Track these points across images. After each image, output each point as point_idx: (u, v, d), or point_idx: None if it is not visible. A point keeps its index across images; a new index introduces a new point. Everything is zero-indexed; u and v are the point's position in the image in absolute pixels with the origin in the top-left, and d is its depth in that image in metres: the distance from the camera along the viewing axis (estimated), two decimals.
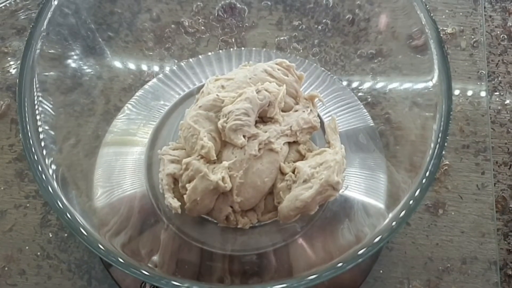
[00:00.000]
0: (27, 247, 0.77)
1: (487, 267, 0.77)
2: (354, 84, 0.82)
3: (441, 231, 0.78)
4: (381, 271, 0.76)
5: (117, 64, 0.82)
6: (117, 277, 0.72)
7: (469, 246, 0.78)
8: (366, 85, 0.81)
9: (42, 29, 0.61)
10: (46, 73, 0.63)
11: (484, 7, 0.92)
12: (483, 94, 0.86)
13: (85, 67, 0.74)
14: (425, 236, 0.78)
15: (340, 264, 0.50)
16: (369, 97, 0.80)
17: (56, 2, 0.63)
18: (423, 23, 0.63)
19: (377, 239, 0.52)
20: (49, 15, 0.62)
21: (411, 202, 0.54)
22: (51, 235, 0.77)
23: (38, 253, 0.77)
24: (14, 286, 0.75)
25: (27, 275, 0.76)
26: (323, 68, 0.83)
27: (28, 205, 0.79)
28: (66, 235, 0.77)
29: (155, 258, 0.66)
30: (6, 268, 0.76)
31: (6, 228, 0.78)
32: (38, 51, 0.60)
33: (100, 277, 0.75)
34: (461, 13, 0.91)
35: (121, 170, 0.74)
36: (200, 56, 0.85)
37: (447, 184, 0.81)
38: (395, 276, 0.76)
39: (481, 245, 0.78)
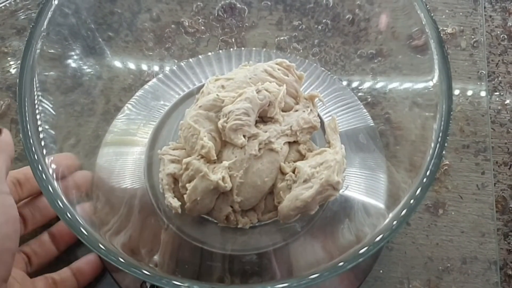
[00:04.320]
0: None
1: (487, 267, 0.77)
2: (354, 84, 0.82)
3: (441, 231, 0.78)
4: (381, 271, 0.76)
5: (117, 64, 0.82)
6: (116, 277, 0.72)
7: (469, 246, 0.78)
8: (366, 85, 0.82)
9: (42, 29, 0.61)
10: (46, 73, 0.63)
11: (484, 7, 0.92)
12: (483, 94, 0.86)
13: (85, 67, 0.74)
14: (425, 236, 0.78)
15: (341, 264, 0.50)
16: (369, 97, 0.80)
17: (56, 2, 0.63)
18: (423, 23, 0.63)
19: (378, 238, 0.52)
20: (49, 15, 0.62)
21: (411, 201, 0.54)
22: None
23: None
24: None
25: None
26: (323, 68, 0.83)
27: None
28: None
29: (155, 257, 0.66)
30: None
31: None
32: (38, 51, 0.60)
33: (99, 276, 0.75)
34: (461, 13, 0.91)
35: (121, 170, 0.74)
36: (200, 56, 0.85)
37: (447, 184, 0.81)
38: (395, 276, 0.76)
39: (481, 245, 0.78)
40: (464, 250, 0.78)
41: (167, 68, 0.84)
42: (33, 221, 0.70)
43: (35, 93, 0.59)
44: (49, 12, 0.62)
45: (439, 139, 0.56)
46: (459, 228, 0.79)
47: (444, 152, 0.56)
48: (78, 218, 0.53)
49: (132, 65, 0.83)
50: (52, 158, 0.58)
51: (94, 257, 0.73)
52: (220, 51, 0.86)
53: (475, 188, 0.81)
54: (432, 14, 0.63)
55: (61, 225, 0.72)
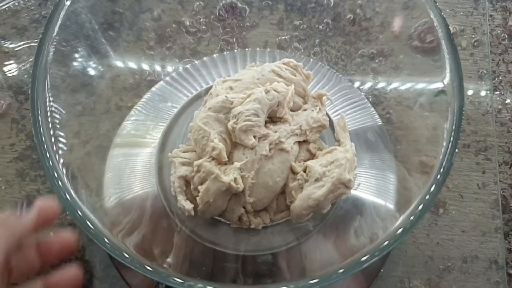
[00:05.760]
0: None
1: (487, 266, 0.77)
2: (356, 84, 0.82)
3: (441, 230, 0.79)
4: (381, 270, 0.76)
5: (119, 63, 0.81)
6: (126, 276, 0.72)
7: (469, 245, 0.78)
8: (367, 85, 0.82)
9: (55, 32, 0.61)
10: (55, 75, 0.63)
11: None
12: (483, 93, 0.86)
13: (88, 67, 0.74)
14: (426, 235, 0.79)
15: (365, 258, 0.50)
16: (370, 96, 0.80)
17: (68, 3, 0.62)
18: (434, 22, 0.63)
19: (399, 231, 0.53)
20: (61, 15, 0.61)
21: (427, 197, 0.54)
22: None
23: None
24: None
25: None
26: (328, 67, 0.83)
27: None
28: None
29: (169, 259, 0.66)
30: None
31: None
32: (51, 53, 0.60)
33: (100, 275, 0.75)
34: (461, 13, 0.92)
35: (131, 173, 0.74)
36: (205, 58, 0.85)
37: (447, 183, 0.81)
38: (396, 275, 0.76)
39: (482, 244, 0.78)
40: (464, 249, 0.78)
41: (169, 68, 0.84)
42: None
43: (47, 94, 0.58)
44: (61, 13, 0.61)
45: (452, 137, 0.56)
46: (459, 227, 0.79)
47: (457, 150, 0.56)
48: (99, 227, 0.52)
49: (133, 65, 0.83)
50: (62, 160, 0.57)
51: (74, 272, 0.61)
52: (225, 52, 0.86)
53: (476, 187, 0.81)
54: (442, 13, 0.63)
55: (57, 276, 0.61)
